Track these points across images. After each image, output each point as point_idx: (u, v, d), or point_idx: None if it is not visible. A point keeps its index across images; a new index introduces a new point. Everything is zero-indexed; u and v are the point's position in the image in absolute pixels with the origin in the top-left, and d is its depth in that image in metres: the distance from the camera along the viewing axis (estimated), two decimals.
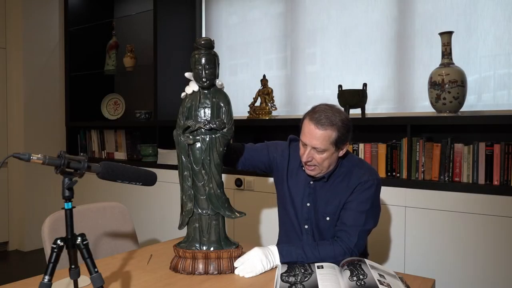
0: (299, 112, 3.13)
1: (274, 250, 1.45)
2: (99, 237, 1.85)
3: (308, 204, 1.60)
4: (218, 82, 1.47)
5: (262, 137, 3.08)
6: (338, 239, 1.48)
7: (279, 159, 1.69)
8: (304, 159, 1.51)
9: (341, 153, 1.52)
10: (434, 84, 2.26)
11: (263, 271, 1.40)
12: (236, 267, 1.42)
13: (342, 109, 1.55)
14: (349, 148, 1.65)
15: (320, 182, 1.58)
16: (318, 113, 1.46)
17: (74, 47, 4.00)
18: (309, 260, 1.43)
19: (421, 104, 2.64)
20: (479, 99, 2.45)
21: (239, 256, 1.45)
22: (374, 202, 1.54)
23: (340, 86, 2.58)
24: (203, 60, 1.42)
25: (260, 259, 1.40)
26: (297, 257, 1.44)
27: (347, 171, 1.56)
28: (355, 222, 1.49)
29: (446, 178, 2.22)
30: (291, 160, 1.66)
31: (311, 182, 1.59)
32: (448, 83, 2.21)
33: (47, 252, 1.62)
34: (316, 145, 1.46)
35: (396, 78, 2.74)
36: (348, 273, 1.27)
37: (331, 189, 1.57)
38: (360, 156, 2.45)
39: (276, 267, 1.43)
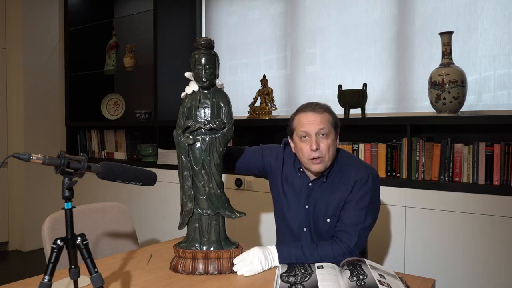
0: None
1: (273, 251, 1.44)
2: (99, 237, 1.85)
3: (307, 207, 1.59)
4: (218, 82, 1.47)
5: (262, 137, 3.08)
6: (337, 239, 1.48)
7: (274, 163, 1.67)
8: (313, 147, 1.47)
9: (337, 142, 1.55)
10: (434, 84, 2.26)
11: (261, 271, 1.40)
12: (235, 264, 1.42)
13: None
14: (346, 148, 1.65)
15: (318, 182, 1.57)
16: (309, 104, 1.54)
17: (74, 47, 4.00)
18: (308, 261, 1.43)
19: (421, 104, 2.64)
20: (479, 99, 2.45)
21: None
22: (373, 196, 1.52)
23: (340, 86, 2.58)
24: (203, 60, 1.42)
25: (259, 259, 1.40)
26: (297, 258, 1.43)
27: (344, 169, 1.56)
28: (355, 220, 1.48)
29: (446, 178, 2.22)
30: (285, 163, 1.65)
31: (310, 184, 1.58)
32: (448, 83, 2.21)
33: (47, 252, 1.62)
34: (320, 127, 1.47)
35: (396, 78, 2.74)
36: (348, 273, 1.27)
37: (330, 188, 1.56)
38: (360, 156, 2.45)
39: (275, 267, 1.43)
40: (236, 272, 1.41)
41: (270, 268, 1.42)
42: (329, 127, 1.49)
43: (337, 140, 1.55)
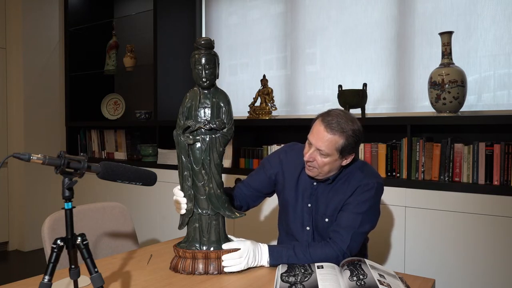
0: (299, 112, 3.13)
1: (264, 251, 1.45)
2: (99, 237, 1.85)
3: (309, 205, 1.59)
4: None
5: (262, 137, 3.08)
6: (330, 240, 1.47)
7: (277, 169, 1.67)
8: (306, 158, 1.50)
9: (344, 162, 1.50)
10: (434, 84, 2.26)
11: (244, 268, 1.41)
12: (224, 260, 1.42)
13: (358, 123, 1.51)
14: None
15: (323, 184, 1.57)
16: (331, 116, 1.45)
17: (74, 47, 4.00)
18: (300, 261, 1.42)
19: (421, 104, 2.64)
20: (479, 99, 2.45)
21: None
22: (373, 205, 1.51)
23: (340, 86, 2.58)
24: (203, 60, 1.42)
25: (247, 257, 1.41)
26: (288, 259, 1.43)
27: (350, 174, 1.55)
28: (350, 223, 1.47)
29: (446, 178, 2.22)
30: (290, 165, 1.65)
31: (315, 184, 1.59)
32: (448, 83, 2.21)
33: (47, 252, 1.62)
34: (320, 147, 1.44)
35: (396, 78, 2.74)
36: (348, 273, 1.27)
37: (333, 190, 1.56)
38: (360, 156, 2.45)
39: (260, 266, 1.44)
40: (235, 272, 1.41)
41: (256, 266, 1.43)
42: (331, 150, 1.44)
43: (346, 160, 1.50)
